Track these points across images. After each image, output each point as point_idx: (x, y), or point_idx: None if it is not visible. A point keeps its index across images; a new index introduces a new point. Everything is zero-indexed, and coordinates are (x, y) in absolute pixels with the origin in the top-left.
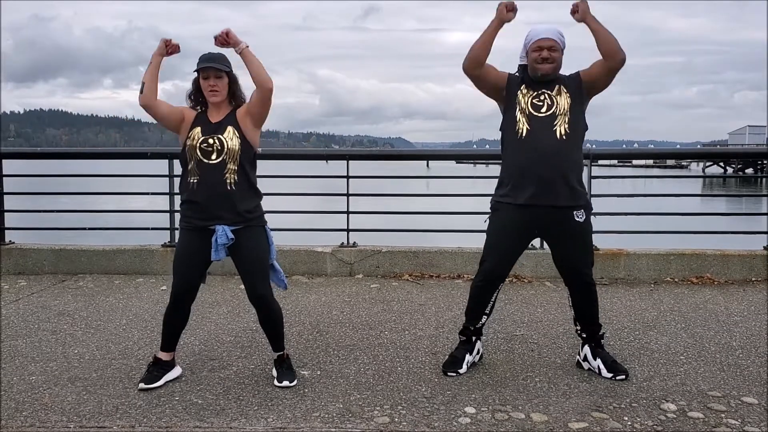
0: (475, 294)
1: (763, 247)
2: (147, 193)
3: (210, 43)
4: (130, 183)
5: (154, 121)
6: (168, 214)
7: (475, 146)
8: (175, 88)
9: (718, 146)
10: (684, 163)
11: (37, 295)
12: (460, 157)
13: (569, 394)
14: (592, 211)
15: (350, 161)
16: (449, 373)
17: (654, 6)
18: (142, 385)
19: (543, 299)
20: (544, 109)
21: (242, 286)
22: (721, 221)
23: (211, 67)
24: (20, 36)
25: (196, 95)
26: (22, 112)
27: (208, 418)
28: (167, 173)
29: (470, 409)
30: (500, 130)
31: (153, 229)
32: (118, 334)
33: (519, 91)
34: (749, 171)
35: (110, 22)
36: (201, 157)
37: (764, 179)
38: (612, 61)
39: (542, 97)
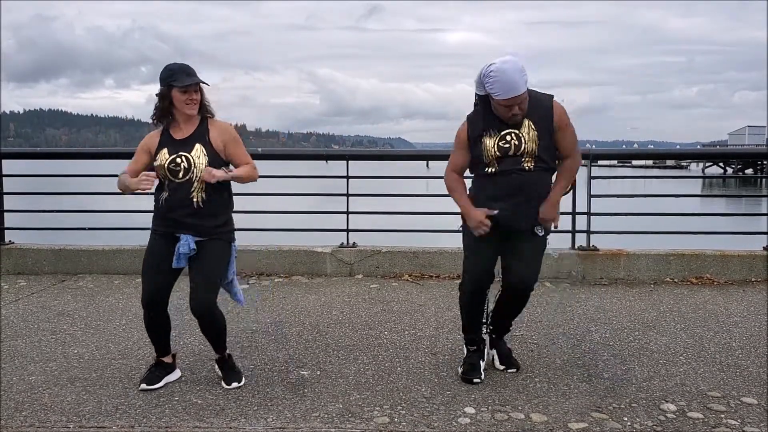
0: (464, 306)
1: (763, 247)
2: (147, 193)
3: (211, 42)
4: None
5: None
6: None
7: None
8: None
9: (718, 146)
10: (684, 163)
11: (36, 295)
12: None
13: (569, 394)
14: (552, 230)
15: (350, 161)
16: (475, 380)
17: (654, 6)
18: (143, 386)
19: (543, 299)
20: (511, 152)
21: (242, 287)
22: (721, 222)
23: (199, 81)
24: (22, 35)
25: (164, 110)
26: (21, 111)
27: (207, 418)
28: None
29: (470, 409)
30: (471, 162)
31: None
32: (118, 334)
33: (484, 137)
34: (749, 171)
35: (112, 22)
36: (170, 176)
37: (764, 180)
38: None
39: (508, 138)
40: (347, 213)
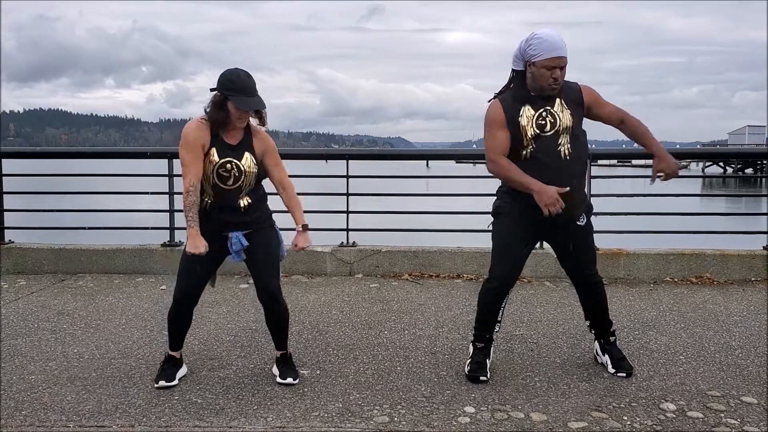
0: (486, 302)
1: (763, 247)
2: (147, 193)
3: (211, 42)
4: (130, 183)
5: (155, 121)
6: (168, 214)
7: (475, 146)
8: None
9: (718, 146)
10: (684, 163)
11: (36, 294)
12: (460, 157)
13: (569, 393)
14: (593, 211)
15: (350, 161)
16: (481, 378)
17: (654, 6)
18: (162, 383)
19: (543, 299)
20: (548, 128)
21: (242, 286)
22: (721, 221)
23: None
24: (23, 36)
25: (217, 115)
26: (21, 111)
27: (207, 418)
28: (167, 173)
29: (470, 409)
30: None
31: (153, 228)
32: (118, 334)
33: (521, 115)
34: (749, 171)
35: (113, 23)
36: (217, 181)
37: (764, 179)
38: (629, 137)
39: (544, 114)
40: (347, 212)
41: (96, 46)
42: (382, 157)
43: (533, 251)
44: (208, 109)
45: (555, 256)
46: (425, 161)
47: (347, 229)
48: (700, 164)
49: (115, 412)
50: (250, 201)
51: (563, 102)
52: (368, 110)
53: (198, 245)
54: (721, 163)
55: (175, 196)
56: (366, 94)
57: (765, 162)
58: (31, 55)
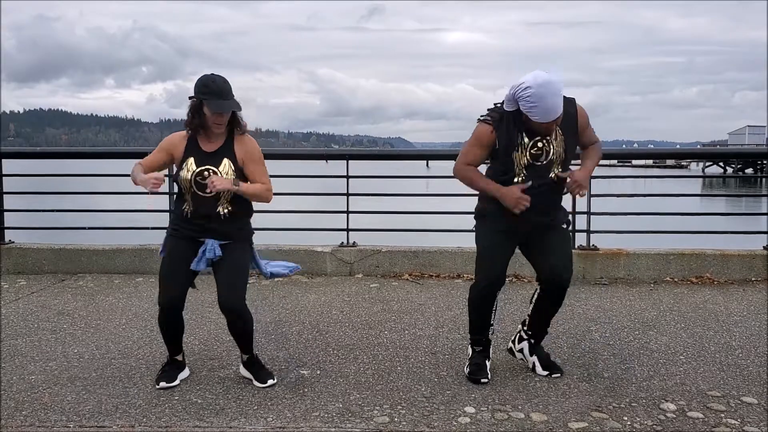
0: (476, 306)
1: (763, 247)
2: (147, 193)
3: (211, 42)
4: (130, 183)
5: (155, 121)
6: (168, 214)
7: None
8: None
9: (718, 146)
10: (684, 163)
11: (36, 294)
12: None
13: (569, 393)
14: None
15: (350, 161)
16: (482, 380)
17: (654, 6)
18: (163, 384)
19: None
20: (542, 158)
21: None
22: (721, 221)
23: (234, 108)
24: (23, 36)
25: (193, 120)
26: (21, 111)
27: (207, 418)
28: (167, 173)
29: (470, 409)
30: (490, 162)
31: (153, 228)
32: (118, 334)
33: (519, 144)
34: (749, 171)
35: (113, 23)
36: (195, 189)
37: (764, 179)
38: None
39: (540, 145)
40: (347, 212)
41: (96, 46)
42: (382, 157)
43: None
44: (188, 118)
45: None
46: (425, 161)
47: (347, 229)
48: (700, 164)
49: (116, 412)
50: (230, 209)
51: (559, 131)
52: (368, 110)
53: (150, 176)
54: (721, 163)
55: (175, 196)
56: (366, 94)
57: (765, 162)
58: (31, 55)
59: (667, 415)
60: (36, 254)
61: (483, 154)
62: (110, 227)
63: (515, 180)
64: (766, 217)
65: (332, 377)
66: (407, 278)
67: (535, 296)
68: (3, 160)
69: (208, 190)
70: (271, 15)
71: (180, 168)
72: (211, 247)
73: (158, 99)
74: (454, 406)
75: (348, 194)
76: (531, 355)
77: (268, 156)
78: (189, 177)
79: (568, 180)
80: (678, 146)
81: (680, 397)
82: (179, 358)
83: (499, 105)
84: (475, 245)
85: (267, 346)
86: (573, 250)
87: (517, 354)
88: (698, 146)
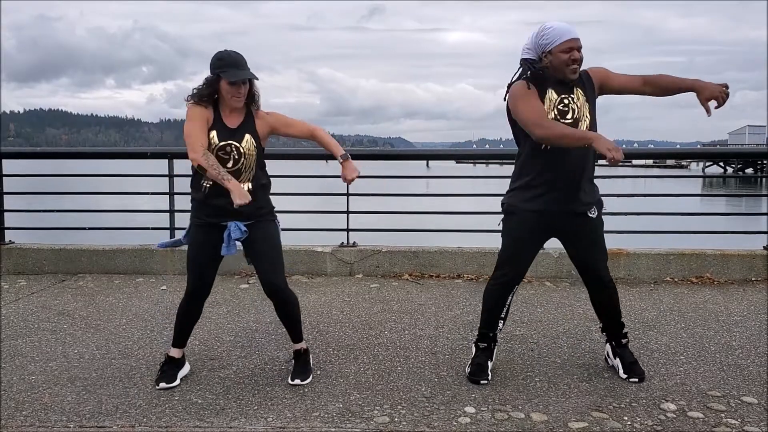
0: (492, 295)
1: (763, 246)
2: (147, 193)
3: (211, 42)
4: (130, 183)
5: (155, 121)
6: (168, 214)
7: (475, 146)
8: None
9: (718, 146)
10: (684, 163)
11: (37, 294)
12: (460, 157)
13: (569, 393)
14: (603, 209)
15: None
16: (481, 381)
17: (654, 6)
18: (163, 384)
19: (543, 299)
20: (569, 116)
21: (242, 286)
22: (721, 221)
23: (251, 77)
24: (24, 36)
25: (205, 96)
26: (21, 111)
27: (207, 418)
28: (167, 173)
29: (470, 409)
30: (513, 128)
31: (153, 228)
32: (118, 334)
33: (545, 99)
34: (749, 171)
35: (113, 23)
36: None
37: (764, 179)
38: (659, 95)
39: (566, 101)
40: (347, 212)
41: (96, 46)
42: (382, 157)
43: None
44: (194, 90)
45: (555, 256)
46: (425, 161)
47: (347, 230)
48: (701, 164)
49: (116, 412)
50: (250, 187)
51: (579, 89)
52: (368, 110)
53: (243, 193)
54: (721, 163)
55: (175, 196)
56: (366, 93)
57: (765, 162)
58: (32, 55)
59: (667, 415)
60: (36, 254)
61: (540, 102)
62: (110, 227)
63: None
64: (766, 217)
65: (332, 377)
66: (407, 278)
67: (590, 298)
68: (3, 160)
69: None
70: (271, 15)
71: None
72: (235, 227)
73: (158, 99)
74: (454, 406)
75: (348, 194)
76: (615, 358)
77: (269, 156)
78: (212, 150)
79: (714, 102)
80: (678, 146)
81: (680, 397)
82: (179, 355)
83: (520, 70)
84: (476, 244)
85: (267, 346)
86: None
87: (608, 361)
88: (698, 146)
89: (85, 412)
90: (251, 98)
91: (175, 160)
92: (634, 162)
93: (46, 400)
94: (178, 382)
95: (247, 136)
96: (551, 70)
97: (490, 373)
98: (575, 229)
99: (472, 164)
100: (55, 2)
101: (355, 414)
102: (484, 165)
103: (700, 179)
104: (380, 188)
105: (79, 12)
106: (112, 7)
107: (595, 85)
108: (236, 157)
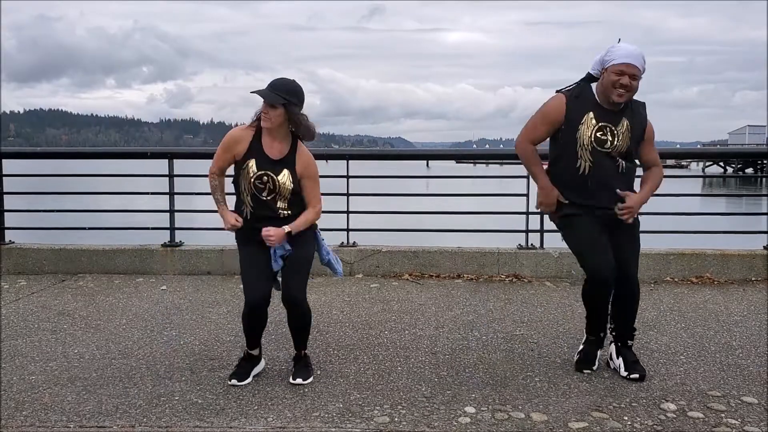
0: (595, 304)
1: (763, 246)
2: (147, 193)
3: (211, 42)
4: (130, 183)
5: (154, 121)
6: (168, 214)
7: (475, 146)
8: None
9: (718, 146)
10: (684, 162)
11: (37, 294)
12: (460, 157)
13: (569, 393)
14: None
15: (350, 161)
16: (585, 371)
17: (654, 6)
18: (234, 381)
19: (543, 299)
20: (607, 146)
21: (242, 286)
22: (721, 221)
23: (264, 97)
24: (24, 36)
25: (259, 119)
26: (21, 111)
27: (208, 418)
28: (167, 173)
29: (470, 409)
30: (553, 152)
31: (153, 228)
32: (118, 334)
33: (584, 122)
34: (749, 171)
35: (113, 23)
36: (254, 191)
37: (764, 179)
38: None
39: (606, 131)
40: (347, 212)
41: (96, 46)
42: (382, 157)
43: (533, 251)
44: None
45: (555, 256)
46: (425, 161)
47: (347, 229)
48: (701, 164)
49: (116, 412)
50: (289, 213)
51: (627, 121)
52: (368, 110)
53: (230, 220)
54: (721, 163)
55: (175, 196)
56: (366, 94)
57: (765, 162)
58: (32, 55)
59: (667, 415)
60: (36, 254)
61: (548, 130)
62: (110, 227)
63: (576, 164)
64: (766, 216)
65: (332, 377)
66: (407, 278)
67: (612, 298)
68: (3, 160)
69: (266, 239)
70: (271, 15)
71: (240, 168)
72: (281, 245)
73: (158, 99)
74: (454, 406)
75: (348, 194)
76: (617, 358)
77: None
78: (250, 179)
79: (618, 206)
80: (678, 146)
81: (680, 396)
82: (255, 352)
83: (577, 82)
84: (475, 244)
85: (267, 346)
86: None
87: (610, 363)
88: (698, 146)
89: (85, 412)
90: (298, 126)
91: (175, 160)
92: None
93: (46, 400)
94: (250, 379)
95: (285, 171)
96: (600, 87)
97: (597, 362)
98: (615, 226)
99: (472, 164)
100: (55, 2)
101: (355, 414)
102: (484, 165)
103: (700, 179)
104: (380, 188)
105: (79, 12)
106: (112, 7)
107: (647, 130)
108: (271, 187)
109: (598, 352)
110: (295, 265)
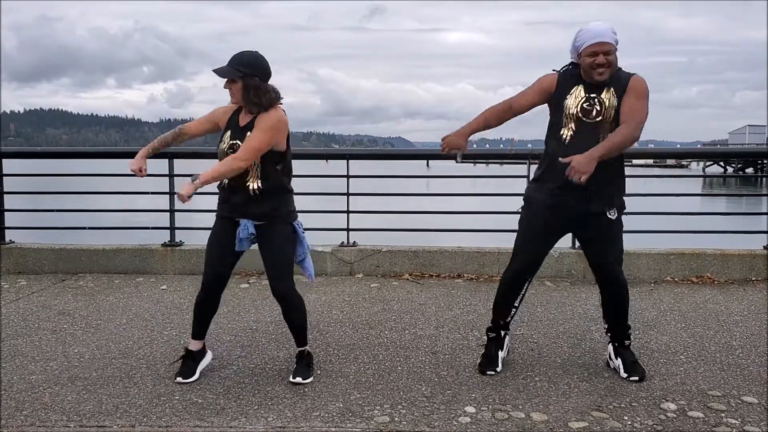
0: (502, 284)
1: (763, 246)
2: (147, 193)
3: (211, 42)
4: (130, 183)
5: (155, 121)
6: (168, 214)
7: (475, 146)
8: (177, 88)
9: (718, 146)
10: (684, 162)
11: (37, 294)
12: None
13: (569, 393)
14: (624, 210)
15: (350, 161)
16: (488, 372)
17: (654, 6)
18: (180, 379)
19: (543, 299)
20: (592, 114)
21: (242, 286)
22: (721, 221)
23: (220, 74)
24: (24, 36)
25: None
26: (22, 111)
27: (208, 418)
28: (167, 173)
29: (470, 409)
30: (548, 127)
31: (153, 228)
32: (118, 334)
33: (570, 93)
34: (749, 170)
35: (114, 23)
36: None
37: (764, 179)
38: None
39: (593, 101)
40: (347, 212)
41: (97, 46)
42: (382, 157)
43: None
44: None
45: (555, 256)
46: (425, 161)
47: (348, 229)
48: (701, 164)
49: (116, 412)
50: (260, 186)
51: (613, 90)
52: (368, 110)
53: (133, 162)
54: (721, 163)
55: (175, 196)
56: (366, 94)
57: (765, 162)
58: (32, 55)
59: (667, 415)
60: (36, 254)
61: (535, 98)
62: (110, 227)
63: (561, 132)
64: (766, 216)
65: (333, 377)
66: (407, 278)
67: (600, 295)
68: (3, 160)
69: (181, 201)
70: (271, 15)
71: (220, 140)
72: (244, 227)
73: (159, 99)
74: (454, 406)
75: (348, 194)
76: (616, 358)
77: None
78: (224, 149)
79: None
80: (678, 146)
81: (681, 396)
82: (197, 347)
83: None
84: (476, 244)
85: (267, 346)
86: (572, 250)
87: (609, 363)
88: (698, 146)
89: (86, 411)
90: (248, 96)
91: (175, 160)
92: (634, 162)
93: (46, 400)
94: (197, 376)
95: (248, 134)
96: (582, 71)
97: (500, 364)
98: (590, 228)
99: (472, 164)
100: (56, 2)
101: (356, 414)
102: (484, 165)
103: (700, 179)
104: (380, 188)
105: (79, 12)
106: (112, 7)
107: (627, 87)
108: None
109: (500, 353)
110: (268, 261)
